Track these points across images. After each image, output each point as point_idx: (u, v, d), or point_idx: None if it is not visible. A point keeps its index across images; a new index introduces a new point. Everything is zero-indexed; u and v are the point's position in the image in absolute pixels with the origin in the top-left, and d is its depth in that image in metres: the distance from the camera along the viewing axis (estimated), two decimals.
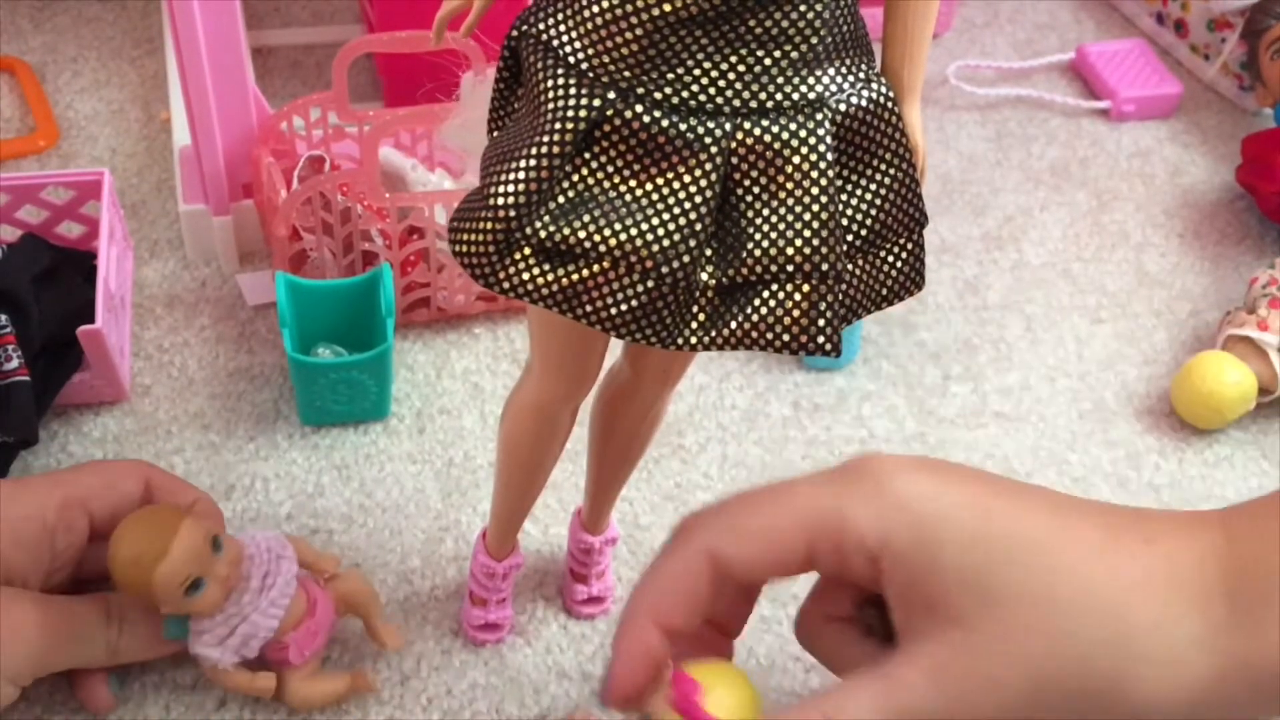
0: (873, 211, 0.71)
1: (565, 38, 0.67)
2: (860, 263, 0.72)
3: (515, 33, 0.71)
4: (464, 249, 0.70)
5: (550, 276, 0.67)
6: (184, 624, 0.88)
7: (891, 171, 0.71)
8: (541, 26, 0.69)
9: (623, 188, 0.66)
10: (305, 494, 1.09)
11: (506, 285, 0.68)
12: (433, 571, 1.05)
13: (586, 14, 0.66)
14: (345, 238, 1.17)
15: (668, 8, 0.63)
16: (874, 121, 0.69)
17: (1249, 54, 1.49)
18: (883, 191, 0.71)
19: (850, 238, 0.71)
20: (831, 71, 0.67)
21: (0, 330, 1.08)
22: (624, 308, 0.67)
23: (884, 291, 0.74)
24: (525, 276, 0.68)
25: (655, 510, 1.11)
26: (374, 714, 0.95)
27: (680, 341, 0.68)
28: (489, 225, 0.68)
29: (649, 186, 0.66)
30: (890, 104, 0.70)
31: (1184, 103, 1.56)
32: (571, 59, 0.66)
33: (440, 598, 1.03)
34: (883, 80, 0.70)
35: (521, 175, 0.66)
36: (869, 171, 0.70)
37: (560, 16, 0.68)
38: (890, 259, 0.73)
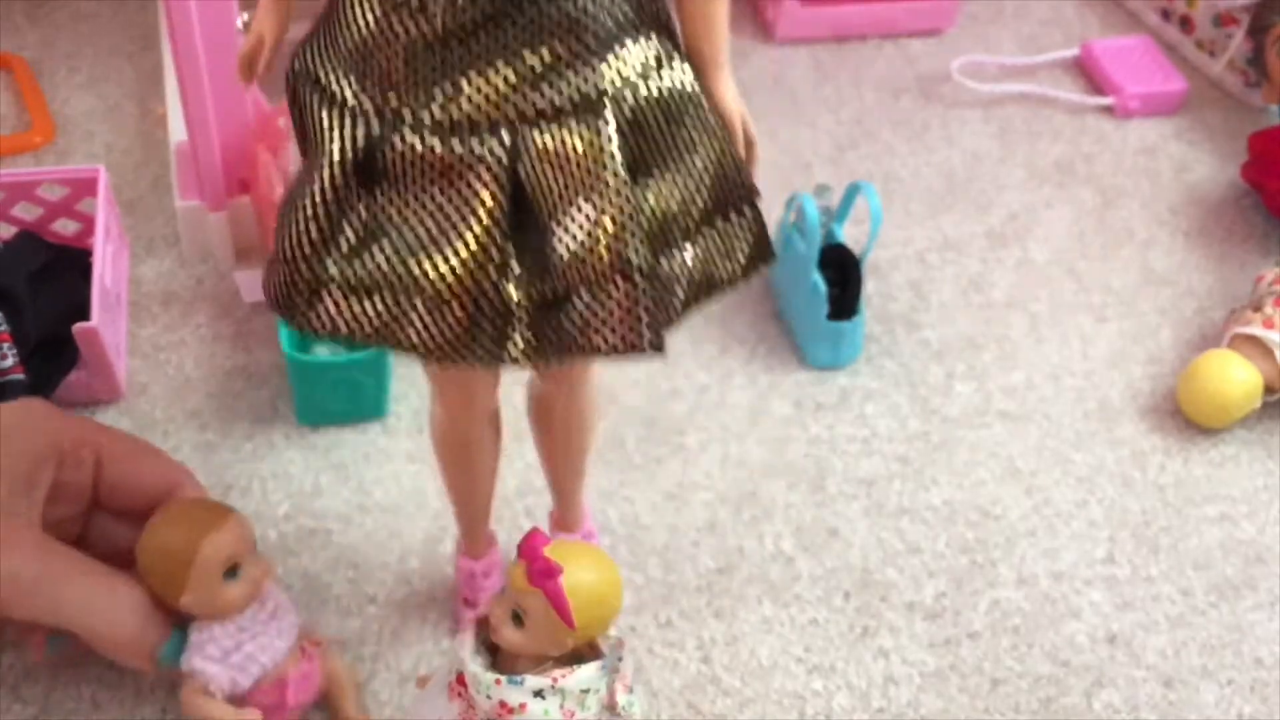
0: (691, 199, 0.69)
1: (329, 71, 0.66)
2: (689, 252, 0.71)
3: (291, 69, 0.71)
4: (273, 294, 0.70)
5: (359, 310, 0.67)
6: (180, 645, 0.86)
7: (701, 152, 0.69)
8: (310, 61, 0.69)
9: (412, 217, 0.65)
10: (303, 493, 1.08)
11: (320, 327, 0.69)
12: (432, 571, 1.04)
13: (344, 45, 0.65)
14: None
15: (421, 28, 0.62)
16: (672, 110, 0.68)
17: (1255, 50, 1.48)
18: (695, 176, 0.69)
19: (672, 229, 0.69)
20: (612, 59, 0.65)
21: None
22: (438, 333, 0.67)
23: (724, 275, 0.73)
24: (335, 315, 0.68)
25: (656, 510, 1.10)
26: (374, 714, 0.95)
27: (505, 359, 0.68)
28: (285, 273, 0.68)
29: (438, 215, 0.65)
30: (689, 87, 0.68)
31: (1189, 99, 1.55)
32: (338, 93, 0.66)
33: (439, 598, 1.02)
34: (681, 61, 0.68)
35: (303, 222, 0.66)
36: (675, 162, 0.69)
37: (322, 49, 0.67)
38: (719, 241, 0.72)
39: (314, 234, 0.66)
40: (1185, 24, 1.61)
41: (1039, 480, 1.15)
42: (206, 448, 1.11)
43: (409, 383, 1.17)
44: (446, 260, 0.65)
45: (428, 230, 0.65)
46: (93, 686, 0.95)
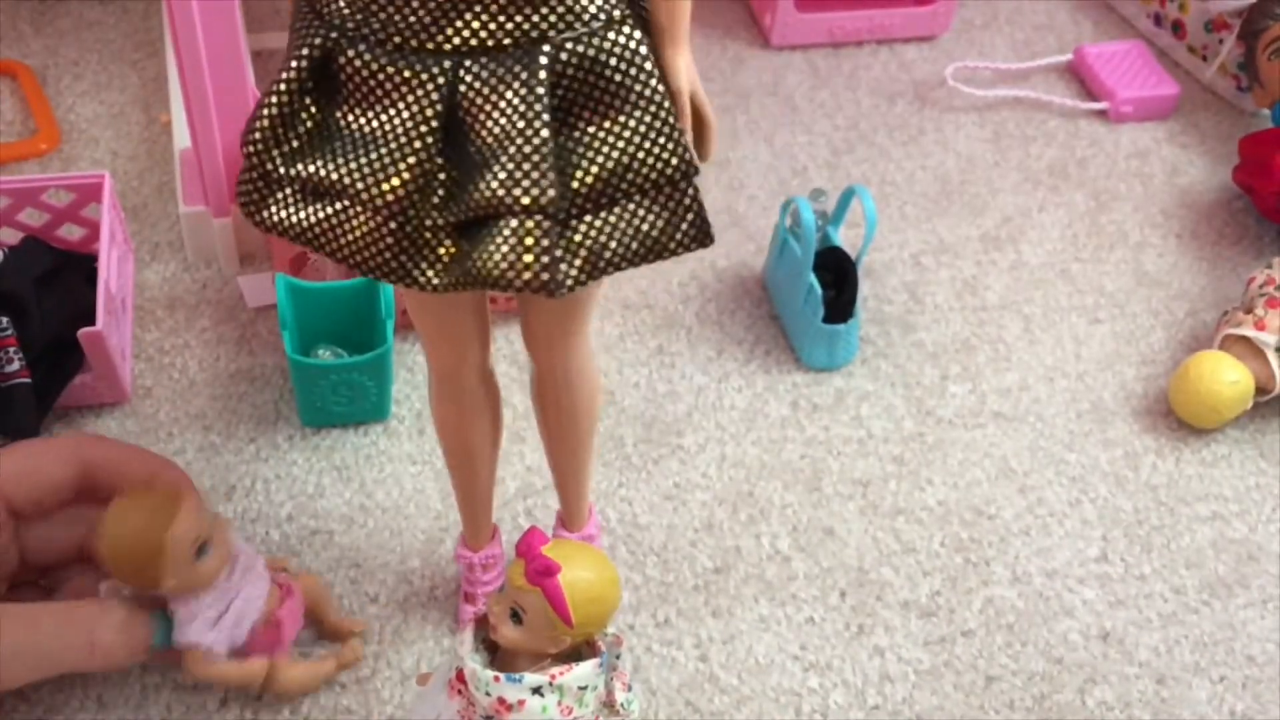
0: (615, 157, 0.70)
1: None
2: (613, 212, 0.72)
3: None
4: (238, 190, 0.74)
5: (303, 214, 0.73)
6: (166, 627, 0.87)
7: (636, 116, 0.70)
8: None
9: (353, 124, 0.70)
10: (306, 495, 1.10)
11: (268, 224, 0.74)
12: (432, 571, 1.05)
13: None
14: None
15: None
16: (615, 66, 0.69)
17: (1246, 54, 1.49)
18: (625, 136, 0.70)
19: (592, 182, 0.70)
20: (560, 7, 0.67)
21: (1, 332, 1.09)
22: (359, 242, 0.71)
23: (650, 244, 0.74)
24: (282, 215, 0.73)
25: (654, 510, 1.11)
26: (375, 713, 0.96)
27: (422, 281, 0.72)
28: (245, 169, 0.73)
29: (374, 124, 0.69)
30: (637, 49, 0.69)
31: (1182, 103, 1.56)
32: (317, 4, 0.71)
33: (440, 598, 1.03)
34: (633, 24, 0.69)
35: (262, 119, 0.72)
36: (607, 120, 0.70)
37: None
38: (647, 210, 0.73)
39: (268, 130, 0.71)
40: (1177, 29, 1.62)
41: (1033, 480, 1.16)
42: (210, 449, 1.12)
43: (410, 385, 1.19)
44: (389, 179, 0.69)
45: (364, 138, 0.69)
46: (99, 686, 0.96)
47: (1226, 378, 1.18)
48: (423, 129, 0.68)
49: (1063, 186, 1.46)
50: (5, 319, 1.09)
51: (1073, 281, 1.35)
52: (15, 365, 1.07)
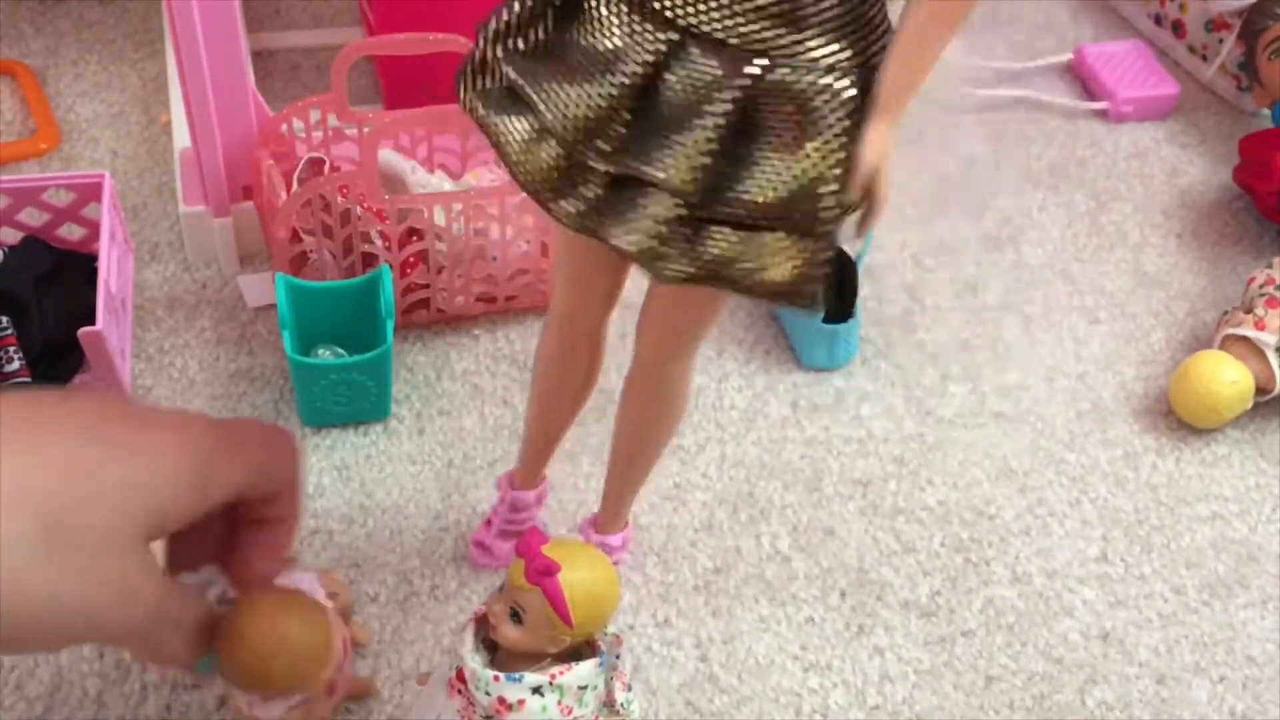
0: (779, 186, 0.70)
1: None
2: (754, 236, 0.72)
3: None
4: (460, 68, 0.78)
5: (493, 111, 0.76)
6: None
7: (814, 159, 0.69)
8: None
9: (570, 54, 0.73)
10: (305, 494, 1.09)
11: (464, 103, 0.79)
12: (432, 571, 1.05)
13: None
14: (345, 239, 1.17)
15: None
16: (815, 106, 0.69)
17: (1246, 54, 1.49)
18: (795, 173, 0.70)
19: (748, 200, 0.71)
20: (792, 37, 0.68)
21: (1, 332, 1.09)
22: (526, 154, 0.75)
23: (769, 286, 0.74)
24: (478, 104, 0.78)
25: (654, 510, 1.11)
26: (375, 713, 0.96)
27: (558, 212, 0.76)
28: (472, 49, 0.77)
29: (587, 62, 0.72)
30: (843, 100, 0.69)
31: (1182, 103, 1.56)
32: None
33: (440, 598, 1.03)
34: (852, 81, 0.69)
35: (501, 12, 0.75)
36: (787, 150, 0.70)
37: None
38: (784, 249, 0.72)
39: (500, 23, 0.75)
40: (1177, 29, 1.62)
41: (1032, 480, 1.16)
42: None
43: (410, 385, 1.19)
44: (577, 112, 0.72)
45: (579, 81, 0.72)
46: (98, 683, 0.96)
47: (1226, 378, 1.18)
48: (624, 82, 0.71)
49: (1063, 186, 1.46)
50: (5, 318, 1.10)
51: (1073, 281, 1.35)
52: (15, 365, 1.08)
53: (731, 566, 1.07)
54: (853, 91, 0.70)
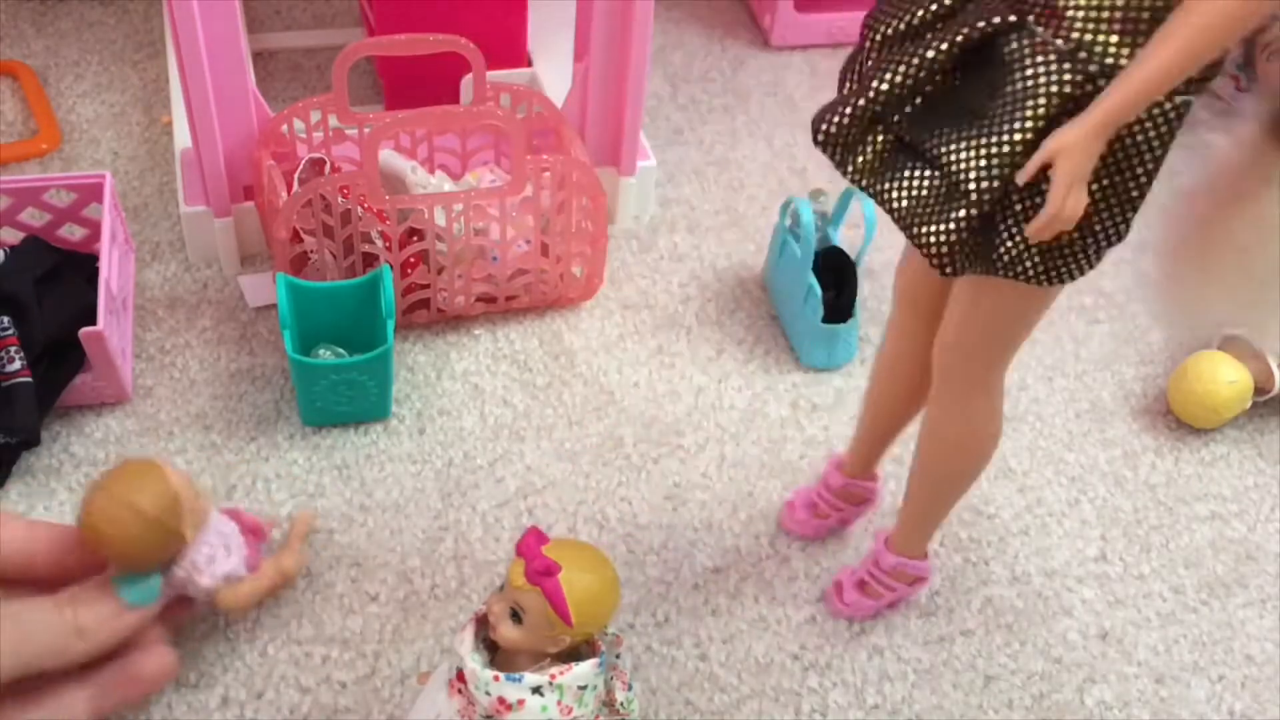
0: (954, 147, 0.74)
1: None
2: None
3: None
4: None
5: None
6: (147, 588, 0.89)
7: (982, 137, 0.73)
8: None
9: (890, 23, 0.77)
10: (306, 494, 1.10)
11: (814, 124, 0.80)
12: (432, 571, 1.05)
13: None
14: (346, 240, 1.17)
15: None
16: (1007, 63, 0.71)
17: (1245, 56, 1.49)
18: (970, 142, 0.73)
19: (937, 152, 0.75)
20: (1042, 29, 0.71)
21: (3, 332, 1.09)
22: (838, 105, 0.78)
23: (915, 224, 0.77)
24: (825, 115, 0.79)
25: (653, 510, 1.11)
26: (375, 713, 0.96)
27: (841, 165, 0.78)
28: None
29: (908, 31, 0.76)
30: (1059, 84, 0.71)
31: None
32: None
33: (440, 597, 1.04)
34: (1074, 70, 0.71)
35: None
36: (980, 118, 0.74)
37: None
38: (938, 198, 0.76)
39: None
40: None
41: (1032, 480, 1.17)
42: (211, 449, 1.12)
43: (411, 385, 1.19)
44: (887, 78, 0.75)
45: (898, 53, 0.76)
46: None
47: (1225, 378, 1.19)
48: (942, 51, 0.73)
49: None
50: (6, 319, 1.10)
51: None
52: (16, 365, 1.08)
53: (731, 566, 1.08)
54: (1070, 77, 0.73)
